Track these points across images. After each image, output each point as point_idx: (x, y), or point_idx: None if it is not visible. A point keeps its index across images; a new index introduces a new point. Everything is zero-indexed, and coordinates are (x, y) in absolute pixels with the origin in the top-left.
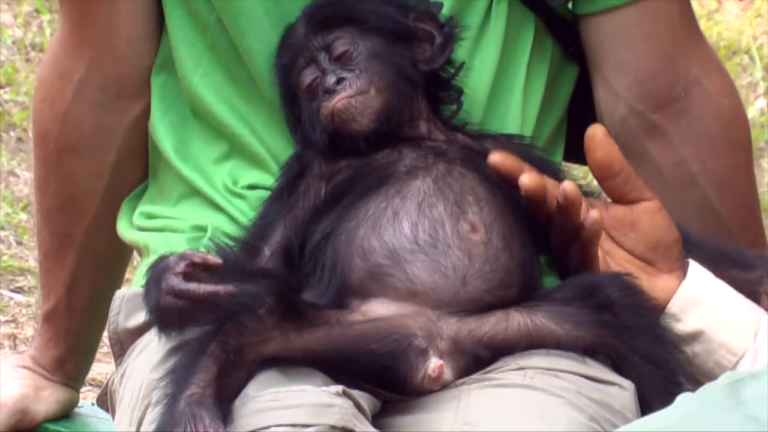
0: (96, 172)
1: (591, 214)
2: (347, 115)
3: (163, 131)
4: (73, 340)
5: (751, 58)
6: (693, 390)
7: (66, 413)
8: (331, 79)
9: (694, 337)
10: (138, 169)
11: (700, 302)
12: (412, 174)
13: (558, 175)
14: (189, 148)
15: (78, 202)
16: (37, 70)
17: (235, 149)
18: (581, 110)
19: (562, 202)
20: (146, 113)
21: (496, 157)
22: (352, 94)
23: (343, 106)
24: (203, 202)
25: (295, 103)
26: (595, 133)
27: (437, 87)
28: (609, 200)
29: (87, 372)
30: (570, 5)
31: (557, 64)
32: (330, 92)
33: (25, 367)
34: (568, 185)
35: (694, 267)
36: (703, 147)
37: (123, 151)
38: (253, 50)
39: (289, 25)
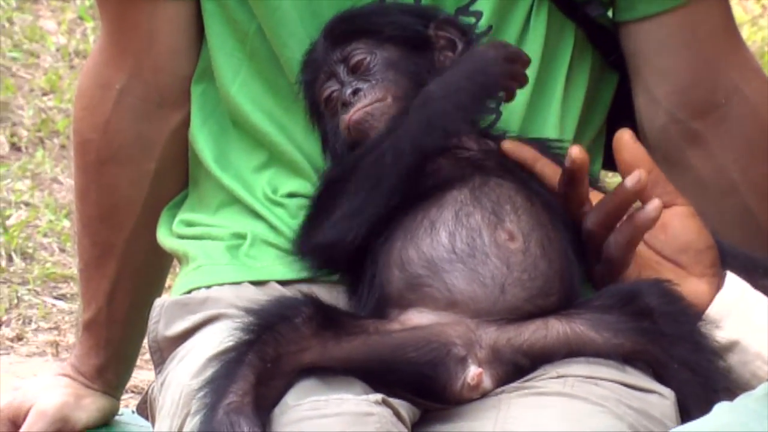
0: (136, 181)
1: (655, 200)
2: (363, 126)
3: (203, 140)
4: (113, 349)
5: None
6: (731, 399)
7: (106, 421)
8: (347, 91)
9: (730, 348)
10: (178, 178)
11: (735, 313)
12: (449, 184)
13: (593, 179)
14: (229, 156)
15: (118, 212)
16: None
17: (275, 158)
18: (620, 118)
19: (569, 166)
20: (186, 122)
21: (508, 145)
22: (367, 103)
23: (359, 118)
24: (243, 210)
25: (320, 118)
26: (623, 135)
27: None
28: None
29: (127, 380)
30: (610, 13)
31: (597, 73)
32: (347, 104)
33: (65, 375)
34: (575, 148)
35: (731, 277)
36: (743, 154)
37: (163, 160)
38: (294, 60)
39: (312, 41)
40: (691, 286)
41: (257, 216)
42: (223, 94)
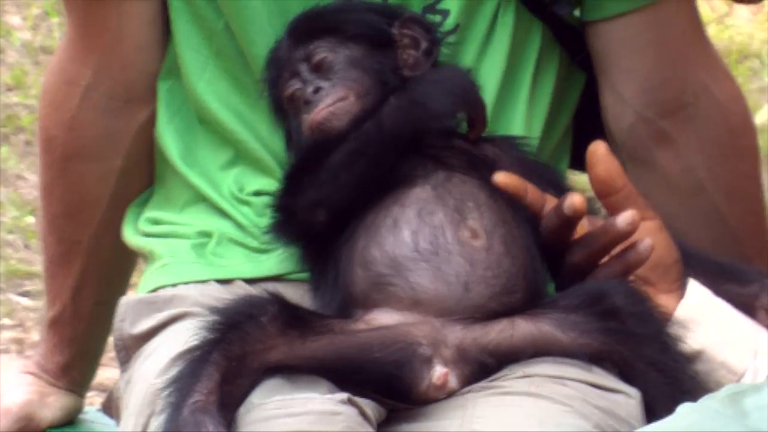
0: (102, 178)
1: (647, 240)
2: (327, 126)
3: (169, 137)
4: (78, 347)
5: (762, 62)
6: (694, 400)
7: (71, 419)
8: (309, 89)
9: (695, 357)
10: (144, 175)
11: (699, 321)
12: (411, 182)
13: (558, 180)
14: (195, 154)
15: (84, 209)
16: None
17: (241, 156)
18: (587, 118)
19: (570, 214)
20: (153, 119)
21: (500, 177)
22: (329, 103)
23: (323, 118)
24: (209, 208)
25: (285, 117)
26: (597, 149)
27: None
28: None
29: (92, 378)
30: (577, 12)
31: (565, 73)
32: (308, 102)
33: (30, 373)
34: (577, 197)
35: (693, 286)
36: (711, 154)
37: (129, 157)
38: (261, 57)
39: (276, 40)
40: (661, 302)
41: (223, 214)
42: (190, 91)
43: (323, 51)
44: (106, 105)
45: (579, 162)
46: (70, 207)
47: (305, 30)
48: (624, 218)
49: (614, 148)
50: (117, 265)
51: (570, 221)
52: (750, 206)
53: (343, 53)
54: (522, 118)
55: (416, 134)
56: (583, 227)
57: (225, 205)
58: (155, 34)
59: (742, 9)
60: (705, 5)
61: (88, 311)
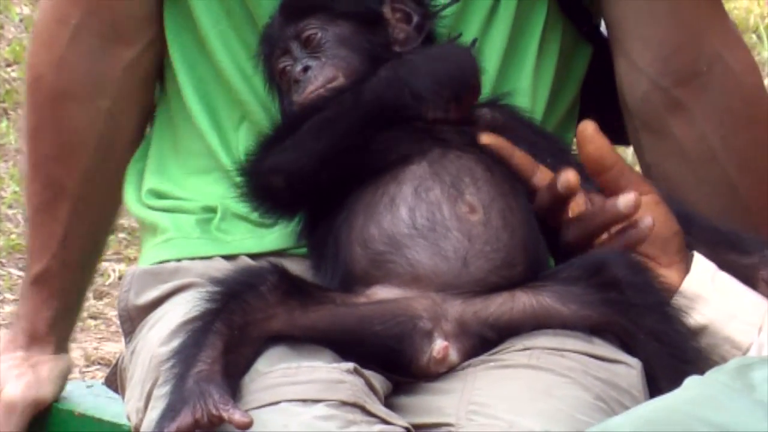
0: (90, 119)
1: (647, 218)
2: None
3: (188, 85)
4: (66, 298)
5: (759, 37)
6: (701, 373)
7: (66, 380)
8: (297, 68)
9: (699, 331)
10: (133, 118)
11: (704, 297)
12: (407, 158)
13: (560, 150)
14: (213, 106)
15: (72, 150)
16: None
17: (246, 117)
18: (595, 91)
19: (563, 192)
20: (140, 61)
21: (486, 138)
22: (319, 86)
23: (311, 101)
24: (215, 179)
25: (278, 92)
26: (586, 128)
27: None
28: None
29: (72, 332)
30: None
31: (570, 44)
32: (297, 81)
33: (18, 347)
34: (571, 174)
35: (698, 259)
36: (724, 123)
37: (117, 98)
38: (266, 19)
39: (270, 16)
40: (663, 275)
41: (228, 181)
42: (206, 46)
43: (313, 28)
44: (93, 45)
45: None
46: (58, 149)
47: (297, 7)
48: (625, 200)
49: (628, 116)
50: (103, 211)
51: (563, 198)
52: (761, 176)
53: (332, 31)
54: (527, 90)
55: (395, 113)
56: (579, 204)
57: (230, 168)
58: None
59: None
60: None
61: (77, 260)
